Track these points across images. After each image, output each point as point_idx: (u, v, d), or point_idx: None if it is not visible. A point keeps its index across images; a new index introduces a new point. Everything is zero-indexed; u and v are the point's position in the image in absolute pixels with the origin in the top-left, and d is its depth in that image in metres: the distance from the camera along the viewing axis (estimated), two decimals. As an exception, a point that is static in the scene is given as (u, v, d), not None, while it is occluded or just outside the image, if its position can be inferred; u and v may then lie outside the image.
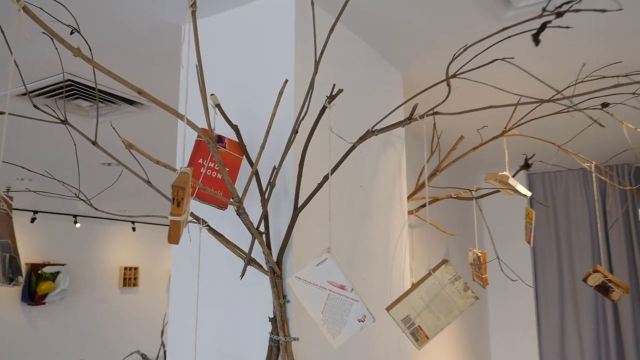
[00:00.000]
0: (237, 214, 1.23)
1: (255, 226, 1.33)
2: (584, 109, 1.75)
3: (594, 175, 2.09)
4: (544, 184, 4.03)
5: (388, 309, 1.09)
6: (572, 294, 3.84)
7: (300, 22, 1.45)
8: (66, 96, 2.24)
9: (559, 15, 0.65)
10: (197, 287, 1.41)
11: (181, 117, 1.11)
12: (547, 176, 4.01)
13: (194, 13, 0.91)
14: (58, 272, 7.68)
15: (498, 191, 2.35)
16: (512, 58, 0.83)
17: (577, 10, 0.63)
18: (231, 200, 1.22)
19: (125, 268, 8.50)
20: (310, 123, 1.41)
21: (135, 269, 8.74)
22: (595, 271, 2.15)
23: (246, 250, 1.36)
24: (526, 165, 2.41)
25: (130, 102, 2.34)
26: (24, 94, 2.25)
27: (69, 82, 2.09)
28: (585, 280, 2.17)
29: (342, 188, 1.59)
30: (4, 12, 1.51)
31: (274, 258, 1.32)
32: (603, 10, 0.64)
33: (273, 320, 1.31)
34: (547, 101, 1.00)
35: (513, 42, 1.82)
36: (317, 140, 1.47)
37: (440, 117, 2.57)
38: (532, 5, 1.55)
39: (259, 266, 1.31)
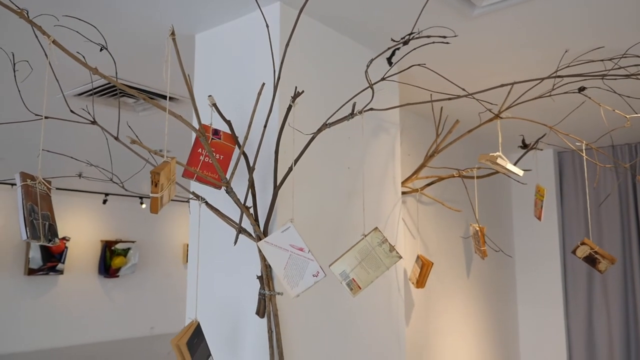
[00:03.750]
0: (226, 192, 1.54)
1: (246, 202, 1.64)
2: (565, 92, 1.92)
3: (584, 155, 2.22)
4: (574, 161, 4.08)
5: (330, 265, 1.37)
6: (601, 269, 3.91)
7: (285, 31, 1.72)
8: (114, 95, 2.64)
9: (406, 43, 0.89)
10: (197, 250, 1.74)
11: (177, 116, 1.43)
12: (577, 153, 4.06)
13: (174, 40, 1.21)
14: (129, 249, 8.44)
15: (497, 172, 2.52)
16: (424, 64, 1.07)
17: (427, 37, 0.86)
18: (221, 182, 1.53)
19: (188, 245, 9.18)
20: (305, 118, 1.69)
21: (197, 246, 9.36)
22: (583, 244, 2.30)
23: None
24: (524, 145, 2.57)
25: (165, 97, 2.71)
26: (80, 94, 2.66)
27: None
28: (574, 252, 2.33)
29: (329, 170, 1.87)
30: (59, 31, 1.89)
31: (261, 228, 1.63)
32: (444, 37, 0.86)
33: (260, 278, 1.62)
34: (469, 95, 1.22)
35: (504, 36, 2.00)
36: (310, 129, 1.74)
37: (446, 104, 2.75)
38: (493, 5, 1.73)
39: (249, 234, 1.62)
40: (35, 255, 7.47)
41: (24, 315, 7.46)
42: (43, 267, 7.54)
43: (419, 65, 1.12)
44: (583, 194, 4.03)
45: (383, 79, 1.20)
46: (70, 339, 7.92)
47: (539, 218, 2.77)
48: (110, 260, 8.25)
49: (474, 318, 3.40)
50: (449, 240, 3.20)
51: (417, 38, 0.85)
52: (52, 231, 1.25)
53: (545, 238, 4.07)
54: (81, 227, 7.75)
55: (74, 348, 7.83)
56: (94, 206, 8.08)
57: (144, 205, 8.53)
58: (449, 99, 1.17)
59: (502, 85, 1.29)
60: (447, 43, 0.96)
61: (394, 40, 0.90)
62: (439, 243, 3.09)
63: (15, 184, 6.91)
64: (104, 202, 7.87)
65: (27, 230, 1.15)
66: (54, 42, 1.28)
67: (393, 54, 0.88)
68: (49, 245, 1.20)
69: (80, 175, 5.34)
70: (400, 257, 1.33)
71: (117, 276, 8.39)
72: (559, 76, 1.10)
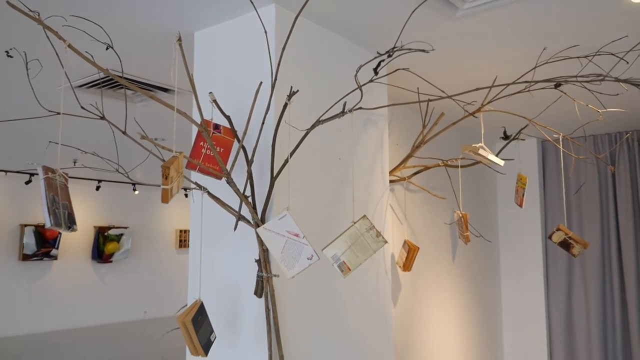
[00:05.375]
0: (227, 182, 1.67)
1: (245, 192, 1.77)
2: (542, 88, 2.07)
3: (560, 146, 2.37)
4: (557, 151, 4.25)
5: (322, 249, 1.51)
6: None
7: (280, 32, 1.84)
8: (113, 87, 2.74)
9: (390, 55, 1.01)
10: (200, 236, 1.88)
11: (182, 113, 1.55)
12: (560, 143, 4.22)
13: (180, 46, 1.33)
14: (122, 234, 8.54)
15: (480, 162, 2.66)
16: (407, 68, 1.20)
17: (409, 50, 0.98)
18: (222, 173, 1.66)
19: (181, 231, 9.29)
20: (301, 113, 1.82)
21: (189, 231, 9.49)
22: (558, 229, 2.46)
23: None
24: (505, 136, 2.72)
25: (165, 90, 2.82)
26: (81, 86, 2.76)
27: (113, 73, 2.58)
28: (550, 237, 2.49)
29: (322, 161, 2.00)
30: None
31: (259, 216, 1.76)
32: (424, 50, 0.99)
33: (258, 261, 1.75)
34: (450, 97, 1.35)
35: (485, 35, 2.13)
36: (305, 123, 1.87)
37: (433, 96, 2.89)
38: (474, 7, 1.86)
39: (248, 221, 1.75)
40: (30, 241, 7.55)
41: (19, 300, 7.57)
42: (37, 253, 7.63)
43: (403, 69, 1.25)
44: (564, 181, 4.21)
45: (371, 80, 1.33)
46: (64, 323, 8.04)
47: (520, 205, 2.92)
48: (103, 245, 8.34)
49: (459, 298, 3.57)
50: (435, 226, 3.35)
51: (399, 50, 0.98)
52: (70, 219, 1.37)
53: (528, 223, 4.25)
54: (75, 213, 7.85)
55: (69, 332, 7.96)
56: (87, 193, 8.15)
57: (136, 192, 8.62)
58: (430, 100, 1.30)
59: (477, 89, 1.42)
60: (427, 52, 1.09)
61: (379, 53, 1.03)
62: (426, 229, 3.24)
63: (6, 172, 6.97)
64: (97, 188, 7.95)
65: (51, 219, 1.27)
66: (69, 46, 1.39)
67: (378, 65, 1.00)
68: (69, 232, 1.33)
69: (75, 162, 5.43)
70: (386, 242, 1.47)
71: (111, 261, 8.49)
72: (526, 82, 1.23)
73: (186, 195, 9.32)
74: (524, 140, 2.98)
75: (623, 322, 3.92)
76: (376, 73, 0.98)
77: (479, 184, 4.06)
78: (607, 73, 1.81)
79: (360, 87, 1.33)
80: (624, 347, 3.91)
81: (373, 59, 1.11)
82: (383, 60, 0.99)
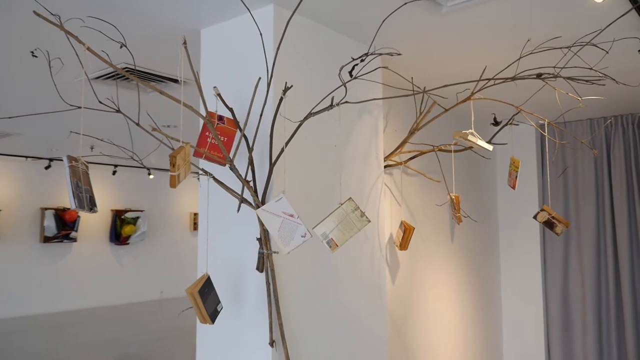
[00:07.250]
0: (230, 168, 1.85)
1: (247, 177, 1.96)
2: (524, 78, 2.21)
3: (546, 133, 2.51)
4: (555, 135, 4.37)
5: (313, 227, 1.69)
6: (576, 232, 4.25)
7: (278, 31, 2.01)
8: (126, 78, 2.93)
9: (362, 60, 1.17)
10: (207, 217, 2.07)
11: (188, 106, 1.74)
12: (557, 128, 4.34)
13: (186, 48, 1.51)
14: (138, 217, 8.84)
15: (472, 147, 2.82)
16: (387, 67, 1.36)
17: (380, 54, 1.14)
18: (226, 160, 1.85)
19: (195, 214, 9.57)
20: (296, 104, 1.99)
21: (203, 214, 9.75)
22: (543, 210, 2.62)
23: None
24: (496, 123, 2.86)
25: (175, 81, 3.00)
26: (96, 78, 2.96)
27: (127, 69, 2.77)
28: (535, 217, 2.65)
29: (318, 147, 2.17)
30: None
31: (259, 198, 1.95)
32: (391, 54, 1.15)
33: (259, 239, 1.95)
34: (422, 91, 1.51)
35: (471, 28, 2.28)
36: (301, 113, 2.04)
37: (428, 86, 3.03)
38: (458, 4, 2.01)
39: (249, 204, 1.94)
40: (50, 224, 7.86)
41: (41, 281, 7.91)
42: (58, 235, 7.94)
43: (383, 67, 1.41)
44: (563, 163, 4.34)
45: (355, 77, 1.49)
46: (84, 302, 8.38)
47: (513, 187, 3.08)
48: (120, 228, 8.65)
49: (457, 276, 3.75)
50: (433, 208, 3.52)
51: (371, 54, 1.14)
52: (92, 202, 1.57)
53: (526, 205, 4.41)
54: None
55: (88, 311, 8.31)
56: (104, 177, 8.43)
57: (151, 176, 8.89)
58: (414, 94, 1.46)
59: (446, 85, 1.57)
60: (396, 55, 1.25)
61: (353, 58, 1.19)
62: (424, 210, 3.42)
63: (27, 157, 7.25)
64: (114, 173, 8.22)
65: (75, 202, 1.47)
66: (88, 49, 1.57)
67: (353, 68, 1.17)
68: (91, 213, 1.52)
69: (92, 148, 5.67)
70: (369, 221, 1.65)
71: (127, 243, 8.81)
72: (497, 78, 1.39)
73: (198, 179, 9.59)
74: (517, 125, 3.11)
75: (617, 298, 4.08)
76: (351, 76, 1.14)
77: (479, 168, 4.21)
78: (562, 67, 1.95)
79: (344, 84, 1.50)
80: (617, 320, 4.08)
81: (349, 63, 1.28)
82: (357, 64, 1.14)
